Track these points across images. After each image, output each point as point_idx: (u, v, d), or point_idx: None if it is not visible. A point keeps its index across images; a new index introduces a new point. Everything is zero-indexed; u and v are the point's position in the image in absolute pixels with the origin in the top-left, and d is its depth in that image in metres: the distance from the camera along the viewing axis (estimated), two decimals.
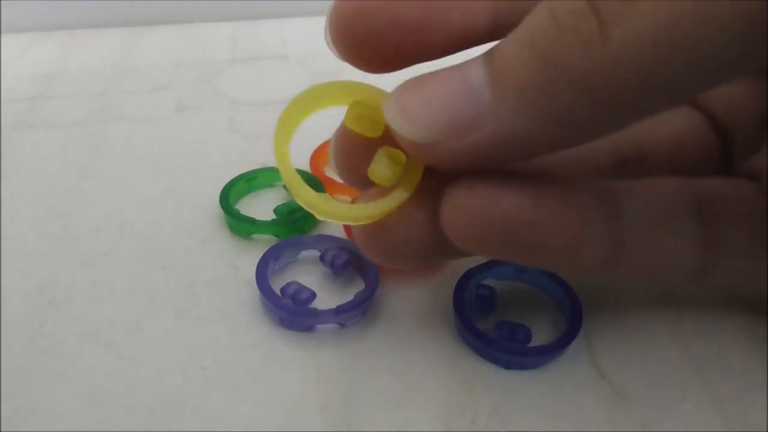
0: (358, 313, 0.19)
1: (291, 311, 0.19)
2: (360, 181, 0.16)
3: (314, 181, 0.24)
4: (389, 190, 0.15)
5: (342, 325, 0.19)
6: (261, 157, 0.27)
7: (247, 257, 0.22)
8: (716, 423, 0.17)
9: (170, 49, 0.38)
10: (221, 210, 0.23)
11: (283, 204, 0.23)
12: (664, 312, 0.20)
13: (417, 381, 0.18)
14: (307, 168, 0.26)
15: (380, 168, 0.15)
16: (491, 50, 0.13)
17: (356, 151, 0.16)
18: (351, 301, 0.19)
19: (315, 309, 0.19)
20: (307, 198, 0.15)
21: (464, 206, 0.14)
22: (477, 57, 0.13)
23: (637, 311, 0.20)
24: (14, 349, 0.19)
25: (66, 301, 0.20)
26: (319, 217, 0.15)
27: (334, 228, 0.23)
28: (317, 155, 0.26)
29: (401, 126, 0.13)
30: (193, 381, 0.18)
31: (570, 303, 0.19)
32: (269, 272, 0.20)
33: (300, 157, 0.26)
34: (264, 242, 0.22)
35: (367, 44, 0.14)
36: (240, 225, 0.23)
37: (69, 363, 0.18)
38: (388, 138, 0.14)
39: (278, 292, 0.19)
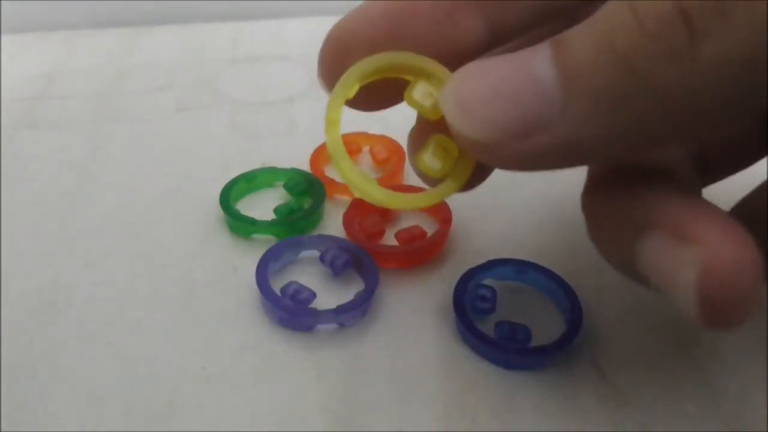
0: (358, 313, 0.19)
1: (291, 311, 0.19)
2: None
3: (314, 181, 0.24)
4: (437, 182, 0.15)
5: (342, 325, 0.19)
6: (261, 157, 0.27)
7: (247, 257, 0.22)
8: (716, 423, 0.17)
9: (170, 49, 0.38)
10: (221, 210, 0.23)
11: (283, 204, 0.23)
12: (665, 312, 0.20)
13: (417, 381, 0.18)
14: (306, 168, 0.25)
15: (428, 159, 0.15)
16: (559, 41, 0.12)
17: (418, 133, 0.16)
18: (351, 301, 0.19)
19: (315, 309, 0.19)
20: (349, 175, 0.15)
21: None
22: (543, 46, 0.12)
23: (638, 311, 0.20)
24: (14, 349, 0.19)
25: (66, 301, 0.20)
26: (356, 194, 0.16)
27: (334, 228, 0.23)
28: (317, 155, 0.26)
29: (458, 120, 0.13)
30: (193, 381, 0.18)
31: (570, 303, 0.19)
32: (269, 272, 0.20)
33: (300, 157, 0.26)
34: (264, 242, 0.22)
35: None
36: (240, 225, 0.23)
37: (69, 363, 0.18)
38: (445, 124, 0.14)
39: (278, 292, 0.19)
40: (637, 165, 0.15)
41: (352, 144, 0.27)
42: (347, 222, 0.22)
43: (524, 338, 0.18)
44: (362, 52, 0.15)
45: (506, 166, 0.13)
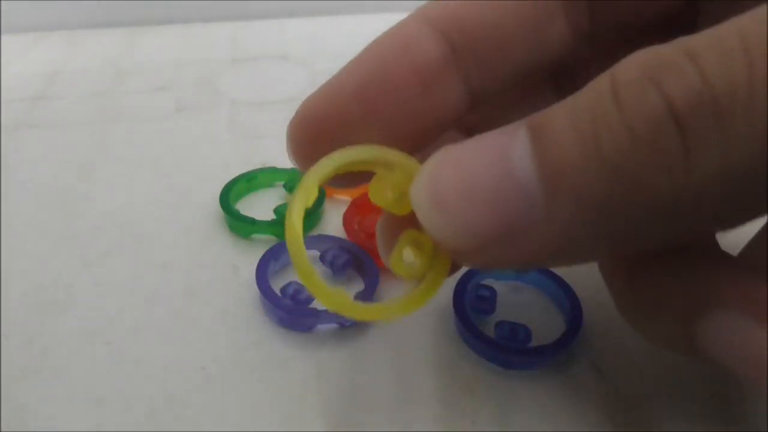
0: None
1: (291, 311, 0.19)
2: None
3: None
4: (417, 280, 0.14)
5: (342, 325, 0.19)
6: (261, 157, 0.27)
7: (247, 257, 0.22)
8: (717, 423, 0.17)
9: (170, 49, 0.38)
10: (221, 210, 0.23)
11: (283, 204, 0.23)
12: None
13: (417, 381, 0.18)
14: None
15: (403, 260, 0.14)
16: (537, 130, 0.11)
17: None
18: None
19: (315, 309, 0.19)
20: (321, 294, 0.14)
21: None
22: (520, 132, 0.11)
23: None
24: (14, 349, 0.19)
25: (66, 301, 0.20)
26: (330, 309, 0.14)
27: (334, 228, 0.23)
28: None
29: (433, 223, 0.12)
30: (193, 381, 0.18)
31: (570, 303, 0.19)
32: (269, 272, 0.20)
33: None
34: (264, 242, 0.22)
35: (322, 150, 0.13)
36: (240, 225, 0.23)
37: (69, 363, 0.18)
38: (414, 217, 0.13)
39: (278, 292, 0.19)
40: None
41: None
42: (347, 222, 0.22)
43: (524, 338, 0.18)
44: (334, 135, 0.14)
45: (487, 268, 0.13)
